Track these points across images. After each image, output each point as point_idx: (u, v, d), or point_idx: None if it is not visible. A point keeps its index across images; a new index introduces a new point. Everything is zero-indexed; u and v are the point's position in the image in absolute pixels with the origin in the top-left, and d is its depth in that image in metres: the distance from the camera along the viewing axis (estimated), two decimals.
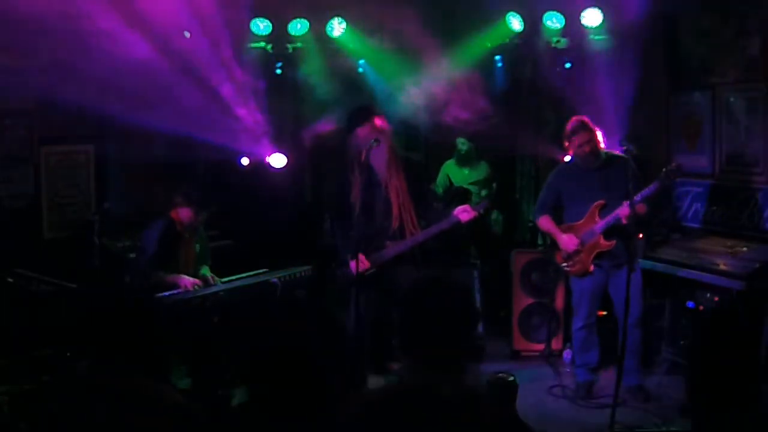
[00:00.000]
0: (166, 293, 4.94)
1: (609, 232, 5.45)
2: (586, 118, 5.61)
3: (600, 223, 5.47)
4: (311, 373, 2.18)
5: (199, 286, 5.17)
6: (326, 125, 7.46)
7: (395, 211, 5.15)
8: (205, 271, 5.51)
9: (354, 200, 5.01)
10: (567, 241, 5.56)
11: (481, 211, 5.25)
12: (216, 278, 5.40)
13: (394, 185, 5.15)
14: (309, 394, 2.18)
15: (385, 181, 5.15)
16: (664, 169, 5.29)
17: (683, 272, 5.82)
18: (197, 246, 5.47)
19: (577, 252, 5.55)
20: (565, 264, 5.67)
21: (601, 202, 5.50)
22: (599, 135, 5.51)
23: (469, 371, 2.31)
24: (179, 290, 5.01)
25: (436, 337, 2.23)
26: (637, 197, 5.16)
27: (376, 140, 4.99)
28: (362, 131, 5.10)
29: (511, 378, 2.59)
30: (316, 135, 7.66)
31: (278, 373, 2.17)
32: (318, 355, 2.20)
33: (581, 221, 5.58)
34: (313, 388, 2.18)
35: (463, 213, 5.10)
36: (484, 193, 7.77)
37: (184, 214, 5.29)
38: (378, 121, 5.14)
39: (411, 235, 5.17)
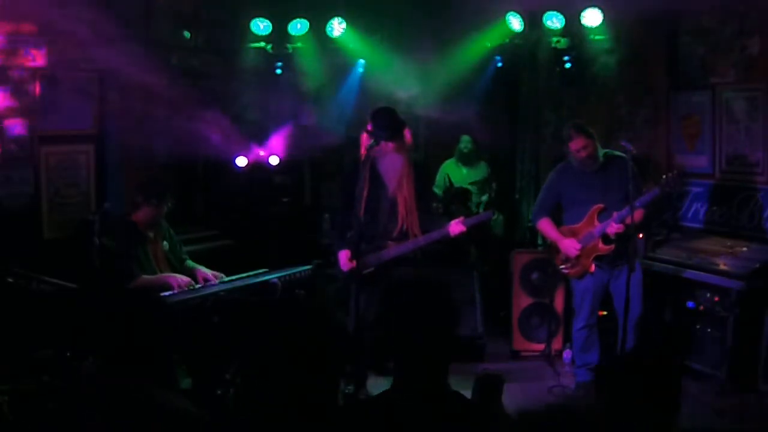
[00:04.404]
0: (166, 293, 4.94)
1: (607, 236, 5.45)
2: (581, 122, 5.61)
3: (598, 227, 5.47)
4: (311, 374, 2.18)
5: (192, 284, 5.16)
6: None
7: (401, 214, 5.18)
8: (191, 263, 5.50)
9: (359, 196, 5.02)
10: (569, 245, 5.55)
11: (476, 222, 5.28)
12: (220, 275, 5.39)
13: (404, 192, 5.18)
14: (307, 394, 2.18)
15: (394, 187, 5.18)
16: (664, 176, 5.27)
17: (683, 272, 5.83)
18: (165, 244, 5.44)
19: (577, 255, 5.55)
20: (563, 266, 5.67)
21: (600, 206, 5.49)
22: (595, 137, 5.50)
23: (452, 371, 2.31)
24: (174, 291, 5.00)
25: (413, 338, 2.23)
26: (637, 203, 5.16)
27: (376, 141, 5.02)
28: (365, 138, 5.12)
29: (498, 373, 2.61)
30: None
31: (277, 373, 2.17)
32: (317, 354, 2.21)
33: (580, 224, 5.58)
34: (311, 389, 2.18)
35: (456, 226, 5.12)
36: (484, 198, 7.78)
37: (144, 213, 5.25)
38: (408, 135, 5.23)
39: (413, 237, 5.20)
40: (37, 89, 5.85)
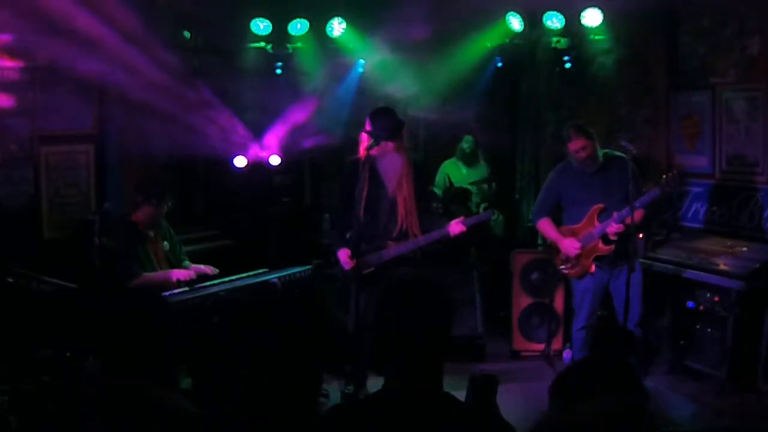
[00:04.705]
0: (167, 293, 4.94)
1: (607, 237, 5.45)
2: (581, 123, 5.61)
3: (598, 227, 5.47)
4: (301, 372, 2.19)
5: (192, 276, 5.18)
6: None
7: (401, 214, 5.19)
8: (188, 264, 5.51)
9: (359, 197, 5.03)
10: (569, 245, 5.55)
11: (476, 222, 5.29)
12: (213, 268, 5.41)
13: (403, 191, 5.19)
14: (296, 393, 2.19)
15: (393, 186, 5.19)
16: (664, 176, 5.28)
17: (683, 272, 5.83)
18: (165, 244, 5.44)
19: (577, 255, 5.55)
20: (563, 266, 5.67)
21: (600, 206, 5.49)
22: (595, 138, 5.50)
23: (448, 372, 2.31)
24: (175, 289, 5.00)
25: (412, 338, 2.23)
26: (637, 203, 5.16)
27: (376, 141, 5.04)
28: (365, 138, 5.15)
29: (492, 373, 2.61)
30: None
31: (276, 373, 2.18)
32: (311, 353, 2.21)
33: (580, 224, 5.58)
34: (301, 387, 2.19)
35: (456, 226, 5.13)
36: (484, 188, 7.80)
37: (144, 213, 5.26)
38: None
39: (414, 237, 5.21)
40: (37, 89, 5.84)
